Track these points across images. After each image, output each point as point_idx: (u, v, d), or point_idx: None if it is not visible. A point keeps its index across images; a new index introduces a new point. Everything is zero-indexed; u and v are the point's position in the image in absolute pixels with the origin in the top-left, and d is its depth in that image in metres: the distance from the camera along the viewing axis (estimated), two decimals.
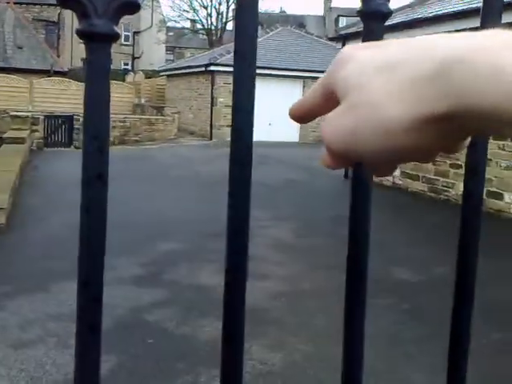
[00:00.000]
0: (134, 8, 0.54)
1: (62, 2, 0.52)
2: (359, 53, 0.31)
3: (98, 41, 0.52)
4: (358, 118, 0.29)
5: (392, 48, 0.30)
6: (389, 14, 0.62)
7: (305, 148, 16.21)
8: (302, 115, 0.36)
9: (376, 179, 10.74)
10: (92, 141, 0.56)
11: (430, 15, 8.47)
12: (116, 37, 0.54)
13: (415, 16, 9.14)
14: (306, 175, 10.75)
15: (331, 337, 3.66)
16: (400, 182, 9.47)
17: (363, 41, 0.68)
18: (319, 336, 3.68)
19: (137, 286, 4.49)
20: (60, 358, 3.21)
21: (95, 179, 0.58)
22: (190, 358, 3.35)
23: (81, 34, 0.52)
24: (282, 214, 7.38)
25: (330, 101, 0.32)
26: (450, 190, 8.17)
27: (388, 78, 0.28)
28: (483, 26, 0.61)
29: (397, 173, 9.57)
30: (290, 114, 0.36)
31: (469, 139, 0.31)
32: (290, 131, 18.64)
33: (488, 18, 0.62)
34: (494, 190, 7.35)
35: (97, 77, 0.54)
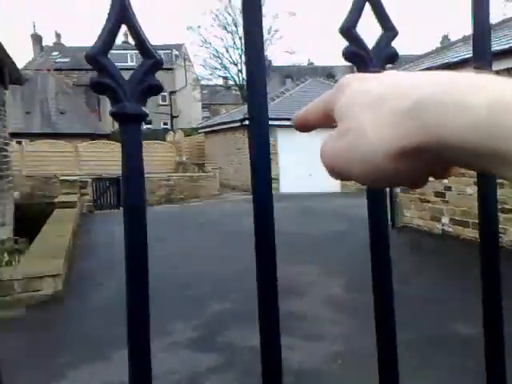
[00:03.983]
0: (158, 90, 0.60)
1: (95, 88, 0.58)
2: (355, 83, 0.36)
3: (129, 121, 0.59)
4: (348, 145, 0.33)
5: (382, 83, 0.34)
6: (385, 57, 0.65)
7: (347, 198, 16.12)
8: (306, 126, 0.42)
9: (425, 227, 10.42)
10: (131, 209, 0.60)
11: (456, 59, 8.50)
12: (144, 116, 0.60)
13: (440, 61, 9.19)
14: (350, 225, 10.65)
15: None
16: (450, 230, 9.28)
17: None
18: None
19: (192, 351, 4.47)
20: None
21: (136, 249, 0.60)
22: None
23: (114, 115, 0.59)
24: (331, 267, 7.29)
25: (328, 117, 0.38)
26: (502, 235, 7.94)
27: (374, 112, 0.32)
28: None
29: (446, 220, 9.40)
30: (295, 124, 0.43)
31: (455, 168, 0.35)
32: (331, 181, 18.60)
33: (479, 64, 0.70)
34: None
35: (131, 153, 0.60)
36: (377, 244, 0.68)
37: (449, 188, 9.33)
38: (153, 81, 0.59)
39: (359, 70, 0.63)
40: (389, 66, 0.67)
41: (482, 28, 0.68)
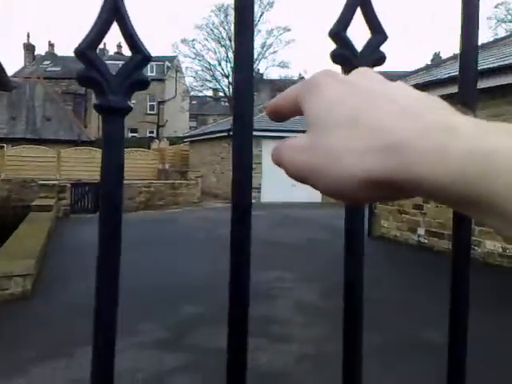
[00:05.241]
0: (144, 85, 0.60)
1: (81, 82, 0.58)
2: (330, 87, 0.35)
3: (113, 114, 0.58)
4: (319, 163, 0.33)
5: (357, 96, 0.33)
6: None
7: (328, 208, 16.13)
8: (277, 114, 0.41)
9: (401, 238, 10.50)
10: (107, 203, 0.61)
11: (445, 76, 8.63)
12: (128, 110, 0.60)
13: (429, 78, 9.32)
14: (329, 235, 10.70)
15: None
16: (425, 241, 9.34)
17: None
18: None
19: (159, 350, 4.44)
20: None
21: (110, 238, 0.62)
22: None
23: (98, 108, 0.59)
24: (306, 274, 7.31)
25: (298, 108, 0.37)
26: (476, 248, 7.99)
27: (349, 135, 0.32)
28: (460, 91, 0.67)
29: (422, 231, 9.46)
30: (267, 111, 0.42)
31: None
32: (313, 192, 18.63)
33: (464, 85, 0.69)
34: None
35: (113, 145, 0.59)
36: (351, 253, 0.69)
37: (427, 200, 9.41)
38: (140, 76, 0.59)
39: (346, 73, 0.63)
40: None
41: (469, 44, 0.68)
